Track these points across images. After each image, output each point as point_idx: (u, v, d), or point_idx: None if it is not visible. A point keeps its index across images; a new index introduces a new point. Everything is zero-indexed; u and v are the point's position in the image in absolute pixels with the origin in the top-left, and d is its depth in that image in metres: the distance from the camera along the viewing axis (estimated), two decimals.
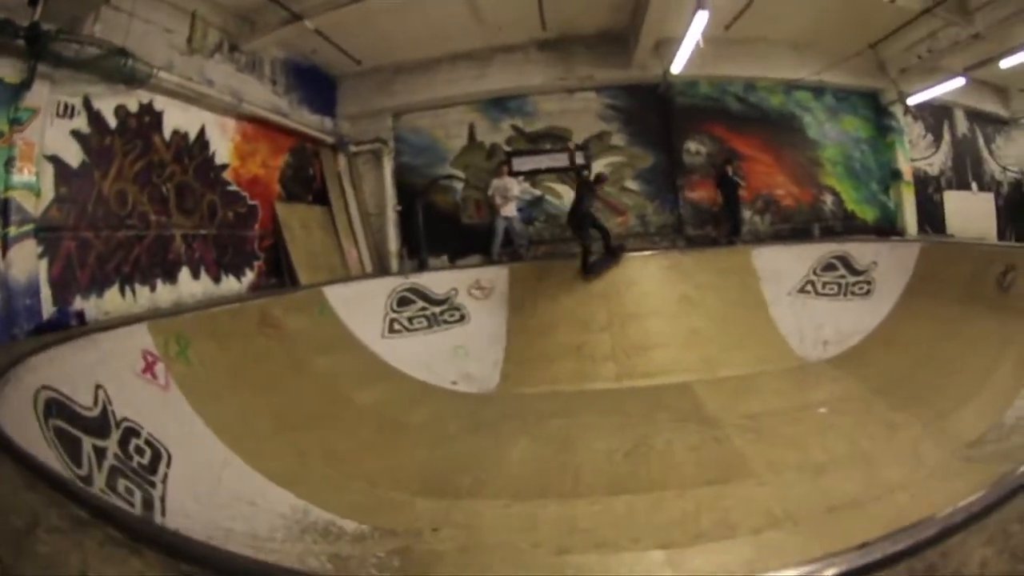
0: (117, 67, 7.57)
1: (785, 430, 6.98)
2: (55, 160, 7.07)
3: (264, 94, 10.86)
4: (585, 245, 11.41)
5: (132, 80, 7.94)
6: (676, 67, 11.79)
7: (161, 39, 8.54)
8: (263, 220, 10.73)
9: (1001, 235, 16.33)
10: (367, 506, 5.16)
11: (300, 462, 5.71)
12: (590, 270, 11.32)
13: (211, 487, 4.79)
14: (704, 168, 13.88)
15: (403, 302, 10.76)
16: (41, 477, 2.40)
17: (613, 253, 11.60)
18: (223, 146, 10.00)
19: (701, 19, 9.31)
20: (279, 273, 10.84)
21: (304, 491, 5.10)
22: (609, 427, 7.42)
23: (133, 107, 8.22)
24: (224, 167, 9.99)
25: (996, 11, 10.71)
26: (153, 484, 4.52)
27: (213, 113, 9.74)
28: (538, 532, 4.92)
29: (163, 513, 4.29)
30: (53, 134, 7.05)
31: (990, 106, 16.82)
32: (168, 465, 4.77)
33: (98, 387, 4.80)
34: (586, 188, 11.90)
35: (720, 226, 13.53)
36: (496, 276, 11.58)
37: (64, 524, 1.92)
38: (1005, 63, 12.13)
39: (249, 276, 10.27)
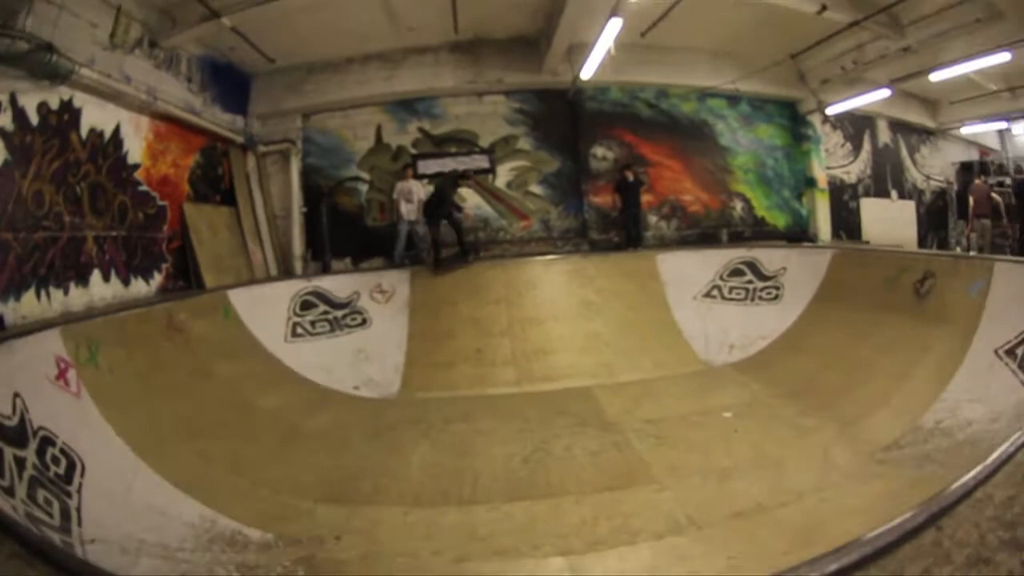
0: (42, 62, 7.45)
1: (688, 435, 7.00)
2: None
3: (179, 91, 10.67)
4: (435, 238, 11.99)
5: (56, 76, 7.81)
6: (586, 73, 11.85)
7: (86, 34, 8.38)
8: (172, 221, 10.45)
9: (922, 242, 16.78)
10: (271, 514, 5.19)
11: (207, 470, 5.70)
12: (440, 264, 11.87)
13: (123, 497, 4.78)
14: (610, 173, 13.96)
15: (306, 306, 10.63)
16: None
17: (466, 253, 12.05)
18: (136, 145, 9.76)
19: (614, 26, 9.38)
20: (186, 276, 10.57)
21: (211, 500, 5.09)
22: (508, 432, 7.44)
23: (54, 104, 8.06)
24: (136, 167, 9.75)
25: (930, 27, 11.02)
26: (69, 494, 4.51)
27: (128, 111, 9.52)
28: (438, 539, 4.97)
29: (79, 523, 4.26)
30: None
31: (916, 117, 17.25)
32: (82, 475, 4.75)
33: (16, 395, 4.78)
34: (448, 182, 12.21)
35: (621, 231, 13.65)
36: (398, 280, 11.54)
37: None
38: (935, 76, 12.41)
39: (157, 279, 9.98)
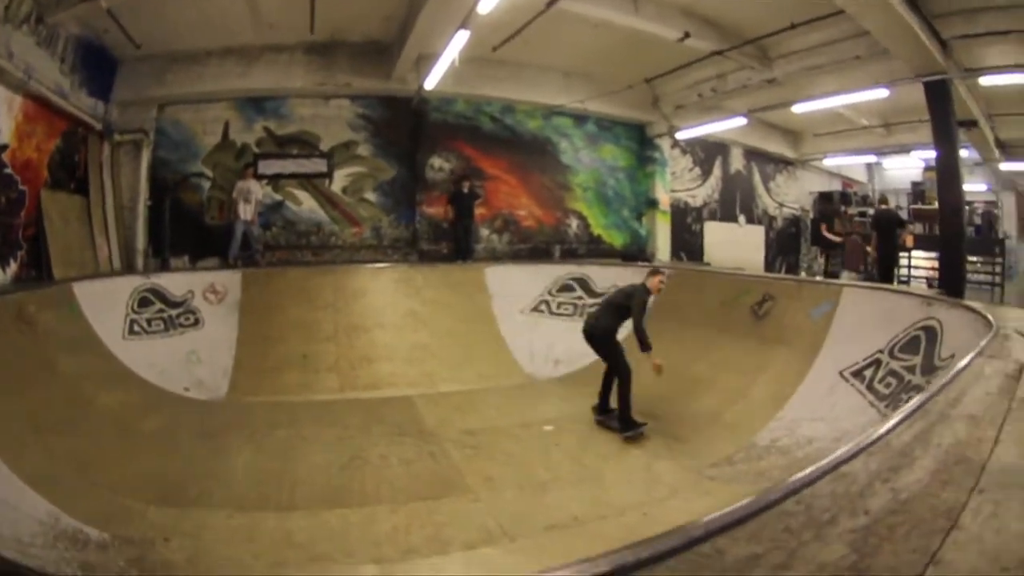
0: None
1: (506, 447, 7.36)
2: None
3: (53, 72, 10.35)
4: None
5: None
6: (430, 83, 12.20)
7: None
8: (28, 207, 10.03)
9: (769, 267, 17.67)
10: (108, 514, 5.23)
11: (52, 467, 5.68)
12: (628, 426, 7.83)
13: None
14: (445, 184, 14.27)
15: (143, 303, 10.40)
16: None
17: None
18: (7, 125, 9.42)
19: (461, 38, 9.78)
20: (39, 266, 10.22)
21: (56, 497, 5.08)
22: (328, 439, 7.67)
23: None
24: (4, 147, 9.40)
25: (801, 61, 11.50)
26: None
27: (6, 88, 9.23)
28: (258, 544, 5.17)
29: None
30: None
31: (775, 147, 18.10)
32: None
33: None
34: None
35: (451, 242, 13.97)
36: (230, 281, 11.47)
37: None
38: (798, 108, 13.09)
39: (13, 267, 9.62)
